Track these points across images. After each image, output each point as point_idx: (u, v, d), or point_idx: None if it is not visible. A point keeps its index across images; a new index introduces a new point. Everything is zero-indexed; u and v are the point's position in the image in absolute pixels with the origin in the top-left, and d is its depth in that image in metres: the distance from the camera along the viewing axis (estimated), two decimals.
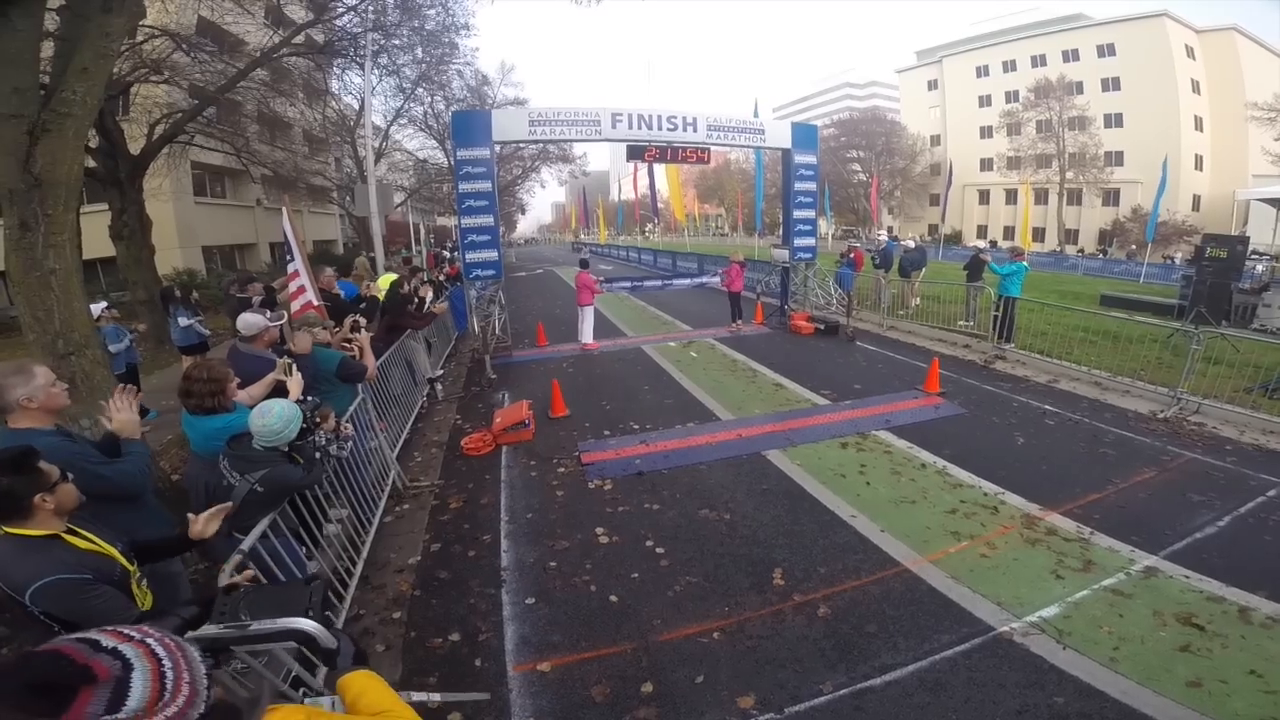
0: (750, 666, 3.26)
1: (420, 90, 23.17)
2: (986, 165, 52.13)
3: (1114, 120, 44.42)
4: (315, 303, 5.61)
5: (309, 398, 3.71)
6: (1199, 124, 42.91)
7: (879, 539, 4.52)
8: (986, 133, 52.17)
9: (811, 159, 12.79)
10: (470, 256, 10.12)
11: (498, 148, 12.79)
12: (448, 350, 10.85)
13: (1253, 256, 14.55)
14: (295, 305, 5.60)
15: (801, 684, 3.13)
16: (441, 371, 9.16)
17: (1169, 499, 5.13)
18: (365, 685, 1.50)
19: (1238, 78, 40.49)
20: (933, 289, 13.32)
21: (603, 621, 3.66)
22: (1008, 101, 49.49)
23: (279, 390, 3.79)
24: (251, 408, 3.17)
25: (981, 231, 47.34)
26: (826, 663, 3.28)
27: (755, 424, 6.96)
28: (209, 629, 1.77)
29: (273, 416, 3.01)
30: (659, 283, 12.57)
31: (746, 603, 3.80)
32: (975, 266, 12.06)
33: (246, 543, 2.71)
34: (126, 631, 1.02)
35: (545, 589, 3.99)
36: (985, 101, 52.79)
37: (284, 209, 6.27)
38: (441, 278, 13.89)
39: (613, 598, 3.87)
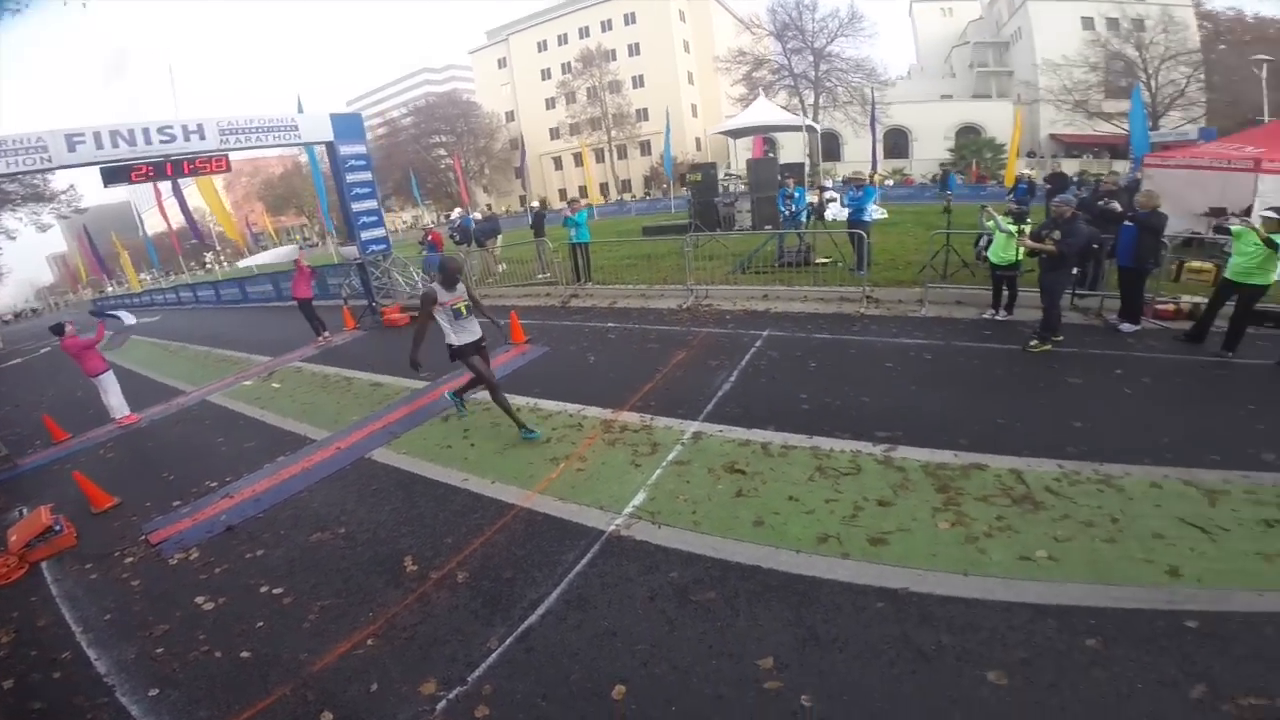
0: (417, 654, 3.20)
1: None
2: (555, 134, 57.82)
3: (639, 81, 53.53)
4: None
5: None
6: (690, 78, 54.51)
7: (492, 491, 4.73)
8: (550, 104, 57.50)
9: (360, 149, 12.29)
10: None
11: None
12: None
13: (725, 178, 19.37)
14: None
15: (471, 649, 3.16)
16: None
17: (697, 370, 6.52)
18: None
19: (710, 36, 52.26)
20: (512, 252, 14.45)
21: (245, 678, 3.27)
22: (563, 73, 55.09)
23: None
24: None
25: (563, 194, 52.74)
26: (483, 621, 3.35)
27: (353, 431, 6.53)
28: None
29: None
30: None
31: (388, 600, 3.69)
32: (538, 223, 13.31)
33: None
34: None
35: (164, 675, 3.42)
36: (546, 75, 57.86)
37: None
38: None
39: (245, 654, 3.45)
